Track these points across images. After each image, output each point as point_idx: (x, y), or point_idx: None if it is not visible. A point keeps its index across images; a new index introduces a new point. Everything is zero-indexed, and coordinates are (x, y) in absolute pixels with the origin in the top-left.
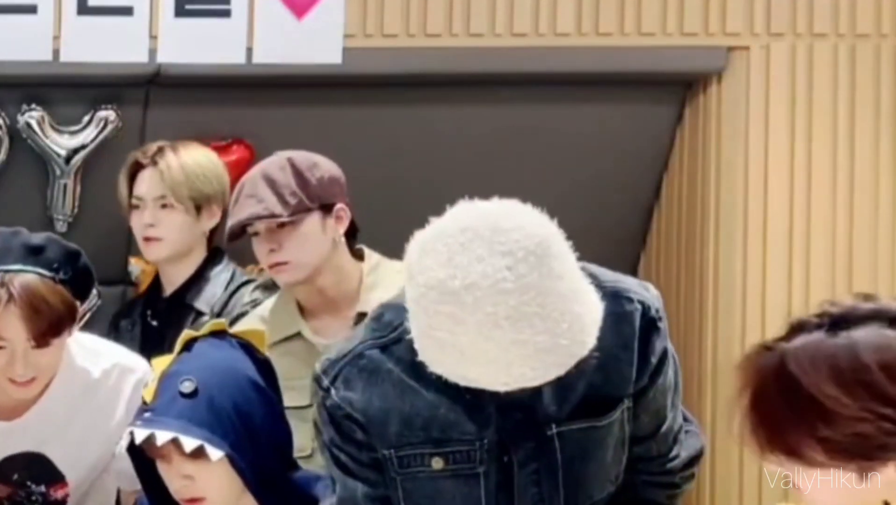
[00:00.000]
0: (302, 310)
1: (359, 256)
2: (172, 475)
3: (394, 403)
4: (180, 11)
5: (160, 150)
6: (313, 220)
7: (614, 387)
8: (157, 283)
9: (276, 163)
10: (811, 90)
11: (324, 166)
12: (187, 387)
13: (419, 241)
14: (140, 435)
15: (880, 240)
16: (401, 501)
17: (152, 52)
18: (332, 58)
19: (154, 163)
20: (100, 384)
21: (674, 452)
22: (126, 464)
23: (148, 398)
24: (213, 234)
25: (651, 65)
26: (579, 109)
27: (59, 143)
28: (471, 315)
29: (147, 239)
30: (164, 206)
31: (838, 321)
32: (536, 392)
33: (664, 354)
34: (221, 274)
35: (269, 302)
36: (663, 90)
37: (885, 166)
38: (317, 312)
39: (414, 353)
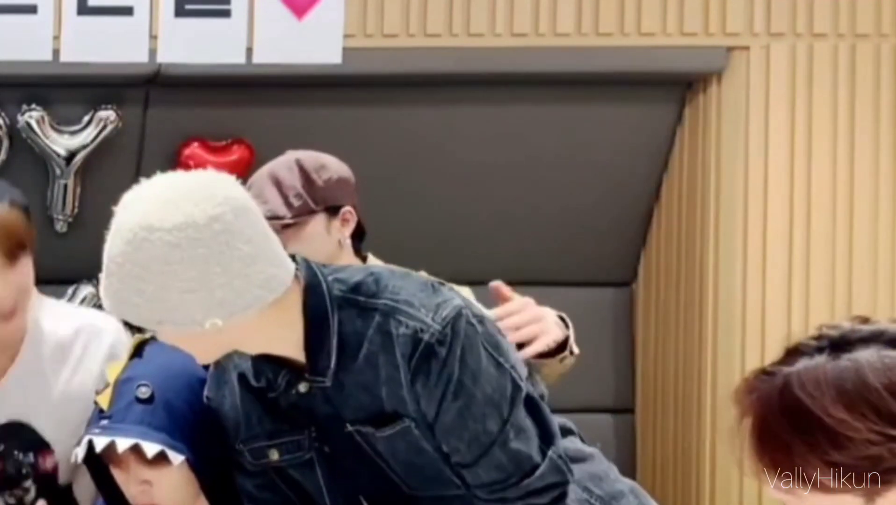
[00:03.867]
0: None
1: (363, 260)
2: (130, 481)
3: (238, 399)
4: (180, 11)
5: None
6: (318, 221)
7: (393, 404)
8: None
9: (284, 163)
10: (811, 90)
11: (332, 168)
12: (143, 392)
13: None
14: (100, 443)
15: (880, 239)
16: (264, 490)
17: (152, 52)
18: (332, 58)
19: None
20: (70, 344)
21: (511, 480)
22: (84, 482)
23: (104, 405)
24: None
25: (651, 65)
26: (579, 109)
27: (59, 143)
28: (114, 224)
29: None
30: None
31: (839, 344)
32: (329, 394)
33: (450, 379)
34: None
35: None
36: (663, 90)
37: (885, 166)
38: None
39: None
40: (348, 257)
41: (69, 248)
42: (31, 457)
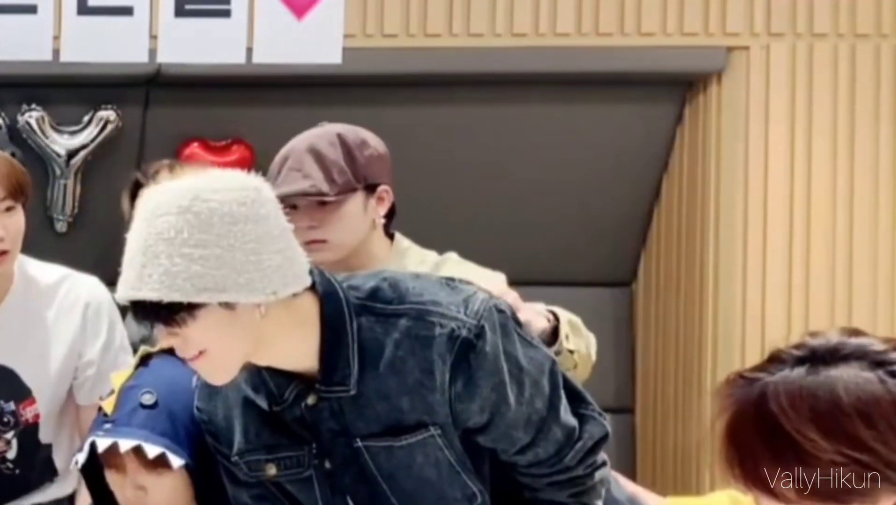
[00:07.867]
0: None
1: (391, 238)
2: (126, 486)
3: (233, 410)
4: (180, 11)
5: (159, 171)
6: (357, 200)
7: (417, 413)
8: None
9: (325, 137)
10: (811, 90)
11: (372, 144)
12: (148, 399)
13: None
14: (102, 444)
15: (880, 240)
16: (261, 500)
17: (152, 52)
18: (332, 58)
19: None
20: (55, 290)
21: (566, 449)
22: (63, 446)
23: (108, 410)
24: None
25: (651, 65)
26: (579, 109)
27: (59, 143)
28: (148, 209)
29: None
30: None
31: (820, 357)
32: (339, 408)
33: (500, 374)
34: None
35: None
36: (663, 90)
37: (885, 166)
38: None
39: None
40: (378, 238)
41: (69, 248)
42: (11, 405)
